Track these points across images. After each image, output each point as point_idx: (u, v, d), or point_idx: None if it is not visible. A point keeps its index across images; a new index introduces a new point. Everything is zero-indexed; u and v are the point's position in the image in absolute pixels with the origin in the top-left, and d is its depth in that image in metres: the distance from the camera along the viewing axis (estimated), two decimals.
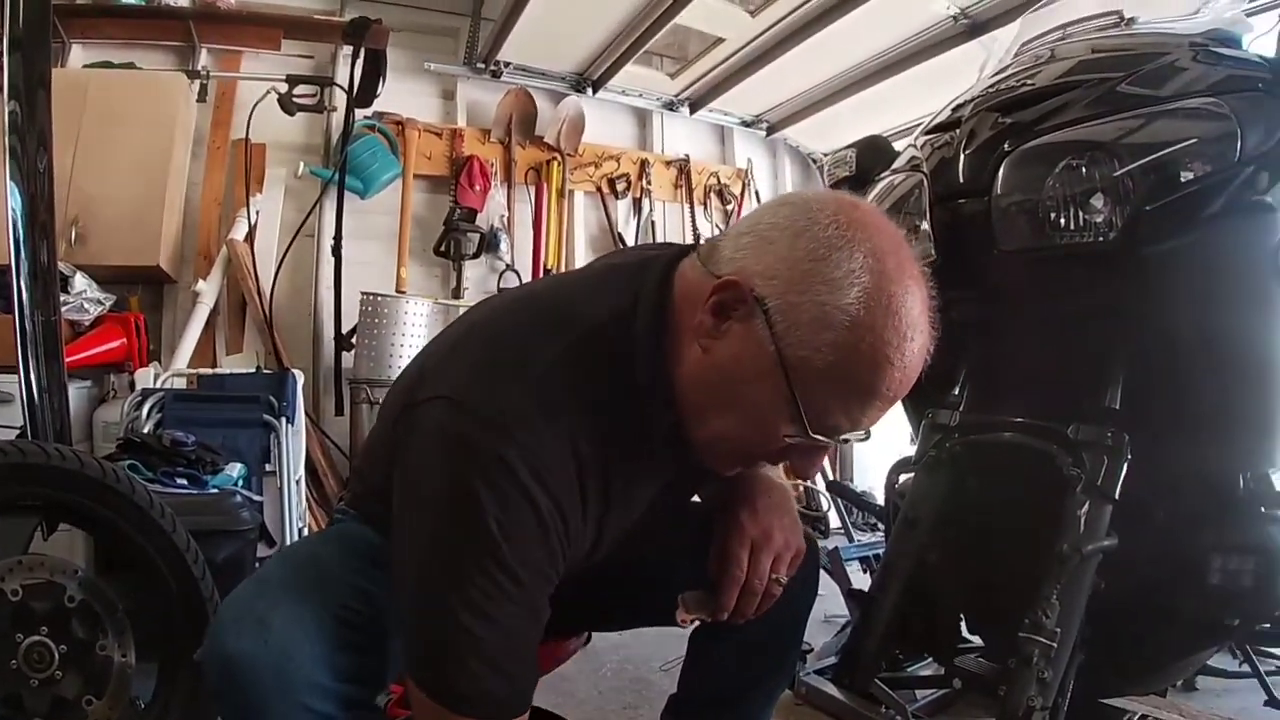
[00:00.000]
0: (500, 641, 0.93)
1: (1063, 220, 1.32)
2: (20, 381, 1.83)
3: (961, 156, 1.49)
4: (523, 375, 0.96)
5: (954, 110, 1.62)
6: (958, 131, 1.53)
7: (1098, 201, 1.29)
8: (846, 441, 0.98)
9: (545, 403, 0.95)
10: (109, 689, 1.67)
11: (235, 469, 2.84)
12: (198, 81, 4.29)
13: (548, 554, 0.95)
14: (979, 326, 1.58)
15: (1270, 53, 1.39)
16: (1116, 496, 1.31)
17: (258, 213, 4.26)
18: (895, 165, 1.72)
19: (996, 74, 1.66)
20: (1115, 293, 1.37)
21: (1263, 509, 1.39)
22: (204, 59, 4.47)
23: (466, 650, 0.92)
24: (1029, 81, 1.50)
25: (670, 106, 5.92)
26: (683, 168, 5.93)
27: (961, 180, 1.48)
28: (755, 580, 1.13)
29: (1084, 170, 1.30)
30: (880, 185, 1.71)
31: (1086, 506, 1.31)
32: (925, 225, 1.54)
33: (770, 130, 6.25)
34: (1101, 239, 1.30)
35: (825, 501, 5.26)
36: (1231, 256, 1.34)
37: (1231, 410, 1.39)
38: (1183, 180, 1.26)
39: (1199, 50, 1.40)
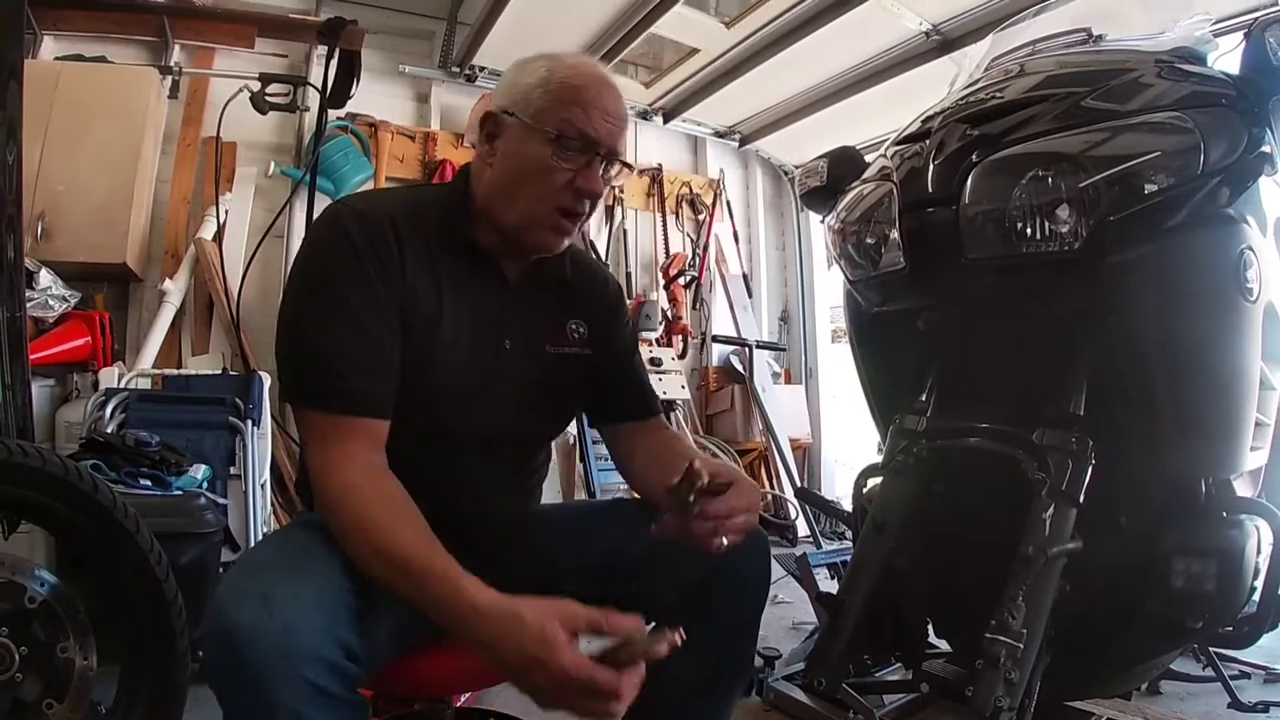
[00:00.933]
0: (335, 345, 1.18)
1: (1029, 230, 1.35)
2: None
3: (931, 167, 1.51)
4: (376, 192, 1.51)
5: (924, 122, 1.64)
6: (927, 142, 1.55)
7: (1063, 212, 1.32)
8: (598, 151, 1.28)
9: (382, 197, 1.45)
10: (70, 692, 1.64)
11: (200, 471, 2.81)
12: (170, 77, 4.23)
13: (365, 278, 1.21)
14: (946, 333, 1.60)
15: (1235, 70, 1.42)
16: (1081, 500, 1.33)
17: (227, 212, 4.22)
18: (865, 175, 1.74)
19: (966, 87, 1.68)
20: (1080, 301, 1.39)
21: (1224, 514, 1.42)
22: (177, 55, 4.41)
23: (311, 355, 1.19)
24: (998, 95, 1.53)
25: (644, 115, 5.94)
26: (655, 177, 5.95)
27: (930, 190, 1.50)
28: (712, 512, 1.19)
29: (1050, 181, 1.33)
30: (850, 194, 1.73)
31: (1051, 509, 1.32)
32: (894, 234, 1.56)
33: (743, 141, 6.30)
34: (1066, 248, 1.33)
35: (794, 509, 5.29)
36: (1194, 266, 1.36)
37: (1194, 417, 1.41)
38: (1146, 192, 1.29)
39: (1164, 67, 1.43)
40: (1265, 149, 1.37)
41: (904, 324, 1.65)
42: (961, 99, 1.60)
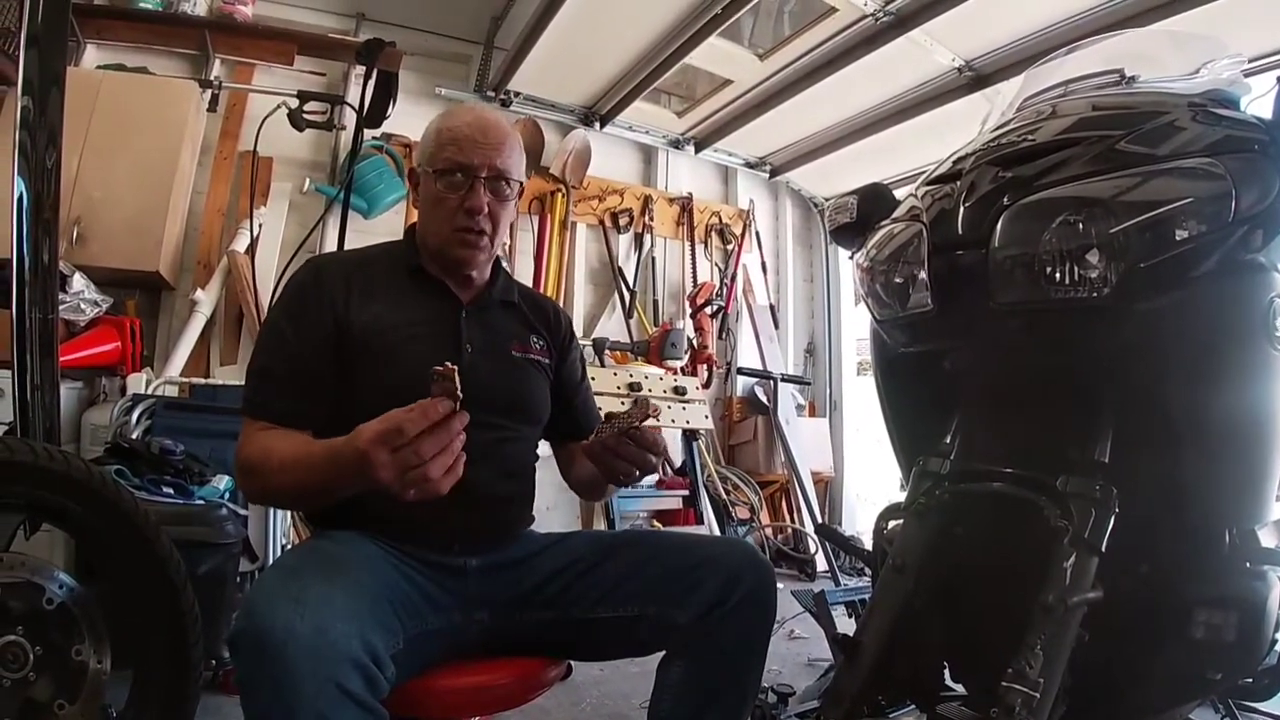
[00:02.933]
0: (266, 373, 1.48)
1: (1058, 275, 1.33)
2: (14, 378, 1.83)
3: (961, 208, 1.49)
4: (344, 251, 1.96)
5: (955, 162, 1.63)
6: (958, 184, 1.54)
7: (1093, 257, 1.30)
8: (477, 175, 1.53)
9: (348, 252, 1.78)
10: (82, 695, 1.66)
11: (222, 481, 2.83)
12: (209, 91, 4.31)
13: (304, 315, 1.50)
14: (972, 376, 1.59)
15: (1268, 114, 1.40)
16: (1103, 549, 1.31)
17: (261, 226, 4.28)
18: (895, 214, 1.73)
19: (998, 128, 1.67)
20: (1107, 347, 1.37)
21: (1248, 564, 1.39)
22: (217, 69, 4.50)
23: (251, 375, 1.49)
24: (1030, 137, 1.52)
25: (676, 144, 5.99)
26: (685, 205, 5.98)
27: (960, 232, 1.48)
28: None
29: (1081, 226, 1.31)
30: (880, 233, 1.72)
31: (1073, 558, 1.30)
32: (923, 274, 1.54)
33: (774, 172, 6.33)
34: (1096, 294, 1.31)
35: (813, 544, 5.25)
36: (1223, 314, 1.34)
37: (1219, 466, 1.39)
38: (1177, 238, 1.27)
39: (1198, 111, 1.42)
40: None
41: (930, 365, 1.63)
42: (993, 140, 1.59)
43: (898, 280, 1.63)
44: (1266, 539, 1.46)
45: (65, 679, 1.64)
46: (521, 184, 1.63)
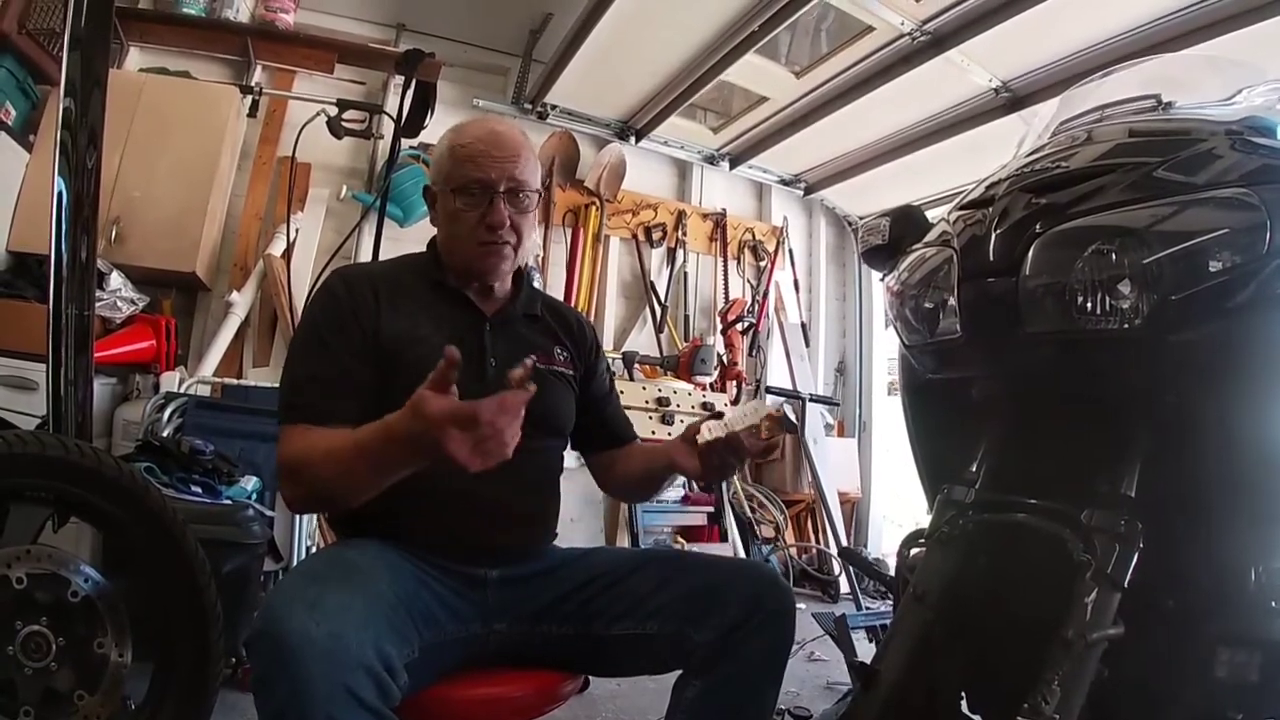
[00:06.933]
0: (306, 371, 1.48)
1: (1089, 304, 1.31)
2: (48, 372, 1.86)
3: (992, 235, 1.48)
4: (367, 262, 2.13)
5: (988, 188, 1.62)
6: (990, 209, 1.53)
7: (1125, 287, 1.28)
8: (495, 190, 1.55)
9: (371, 264, 1.87)
10: (102, 686, 1.68)
11: (250, 482, 2.85)
12: (250, 96, 4.34)
13: (341, 322, 1.50)
14: (1000, 405, 1.57)
15: None
16: (1126, 585, 1.29)
17: (297, 231, 4.32)
18: (927, 239, 1.72)
19: (1032, 153, 1.66)
20: (1138, 379, 1.35)
21: (1273, 603, 1.36)
22: (258, 75, 4.58)
23: (289, 382, 1.49)
24: (1064, 163, 1.50)
25: (711, 160, 5.99)
26: (719, 221, 5.98)
27: (991, 259, 1.47)
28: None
29: (1113, 256, 1.29)
30: (911, 257, 1.71)
31: (1095, 594, 1.28)
32: (953, 301, 1.53)
33: (808, 190, 6.32)
34: (1127, 325, 1.29)
35: (837, 566, 5.21)
36: (1256, 347, 1.31)
37: (1247, 502, 1.36)
38: (1211, 270, 1.25)
39: (1236, 139, 1.39)
40: None
41: (958, 393, 1.62)
42: (1026, 166, 1.57)
43: (927, 305, 1.62)
44: None
45: (86, 670, 1.67)
46: (539, 192, 1.66)
